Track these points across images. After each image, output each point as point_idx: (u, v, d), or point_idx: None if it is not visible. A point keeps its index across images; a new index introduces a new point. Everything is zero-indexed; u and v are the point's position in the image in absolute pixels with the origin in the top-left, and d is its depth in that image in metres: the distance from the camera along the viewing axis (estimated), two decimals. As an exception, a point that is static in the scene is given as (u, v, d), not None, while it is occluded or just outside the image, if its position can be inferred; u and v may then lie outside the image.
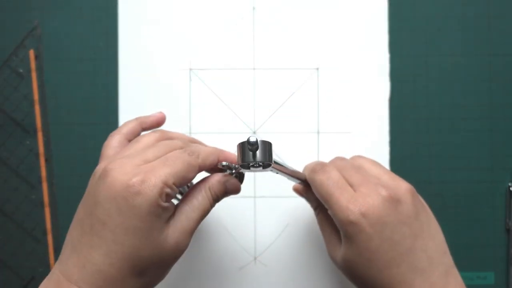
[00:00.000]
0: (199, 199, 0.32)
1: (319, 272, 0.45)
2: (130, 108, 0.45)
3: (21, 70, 0.46)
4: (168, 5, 0.46)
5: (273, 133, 0.45)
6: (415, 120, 0.45)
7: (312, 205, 0.38)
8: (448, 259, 0.32)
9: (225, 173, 0.34)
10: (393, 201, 0.31)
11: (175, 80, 0.46)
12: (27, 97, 0.46)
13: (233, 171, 0.34)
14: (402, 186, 0.32)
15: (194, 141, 0.38)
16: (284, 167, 0.34)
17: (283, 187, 0.45)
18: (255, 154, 0.30)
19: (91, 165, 0.45)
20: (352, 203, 0.31)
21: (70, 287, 0.28)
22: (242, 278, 0.45)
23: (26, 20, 0.46)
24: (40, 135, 0.45)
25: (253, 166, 0.31)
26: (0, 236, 0.45)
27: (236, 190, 0.35)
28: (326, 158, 0.45)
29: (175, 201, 0.32)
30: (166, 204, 0.29)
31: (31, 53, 0.46)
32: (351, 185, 0.33)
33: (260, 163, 0.31)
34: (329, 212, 0.33)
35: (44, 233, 0.45)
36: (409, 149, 0.45)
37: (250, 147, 0.30)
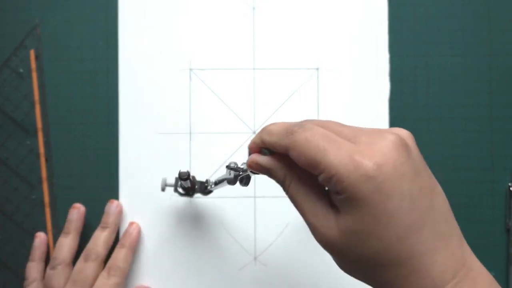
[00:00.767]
0: None
1: (319, 272, 0.45)
2: (130, 108, 0.45)
3: (21, 70, 0.46)
4: (168, 5, 0.46)
5: (273, 133, 0.45)
6: (415, 120, 0.45)
7: (278, 178, 0.29)
8: (456, 222, 0.27)
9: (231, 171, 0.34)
10: (405, 146, 0.25)
11: (175, 80, 0.46)
12: (27, 97, 0.46)
13: (240, 173, 0.33)
14: (402, 131, 0.26)
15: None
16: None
17: (283, 187, 0.45)
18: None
19: (91, 165, 0.45)
20: (359, 153, 0.24)
21: None
22: (242, 278, 0.45)
23: (26, 20, 0.46)
24: (40, 135, 0.45)
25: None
26: (0, 236, 0.45)
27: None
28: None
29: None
30: None
31: (31, 53, 0.46)
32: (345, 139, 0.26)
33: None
34: (322, 176, 0.25)
35: (44, 233, 0.45)
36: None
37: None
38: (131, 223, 0.44)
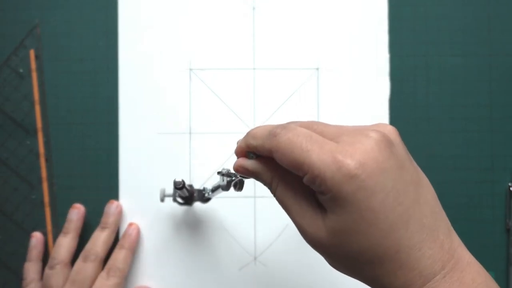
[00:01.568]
0: None
1: (319, 272, 0.45)
2: (130, 108, 0.45)
3: (21, 70, 0.46)
4: (168, 5, 0.46)
5: (273, 133, 0.45)
6: (415, 120, 0.45)
7: (265, 180, 0.29)
8: (444, 213, 0.27)
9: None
10: (387, 142, 0.25)
11: (175, 80, 0.46)
12: (27, 97, 0.46)
13: (233, 178, 0.34)
14: (386, 127, 0.27)
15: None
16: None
17: (283, 187, 0.45)
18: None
19: (91, 165, 0.45)
20: (341, 153, 0.24)
21: None
22: (242, 278, 0.45)
23: (26, 20, 0.46)
24: (40, 135, 0.45)
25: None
26: (0, 236, 0.45)
27: None
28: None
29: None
30: None
31: (31, 53, 0.46)
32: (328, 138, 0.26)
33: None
34: (306, 177, 0.25)
35: (44, 233, 0.45)
36: (409, 149, 0.45)
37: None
38: (130, 224, 0.44)
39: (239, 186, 0.33)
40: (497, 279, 0.46)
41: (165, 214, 0.45)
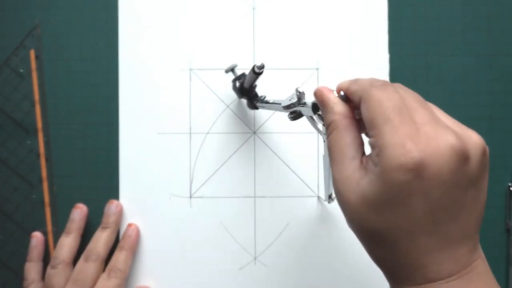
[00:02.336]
0: None
1: (319, 272, 0.45)
2: (130, 108, 0.45)
3: (21, 70, 0.46)
4: (168, 5, 0.46)
5: (273, 133, 0.45)
6: (415, 120, 0.45)
7: (328, 118, 0.29)
8: (478, 235, 0.26)
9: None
10: (462, 155, 0.23)
11: (175, 80, 0.46)
12: (27, 97, 0.46)
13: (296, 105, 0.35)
14: (473, 138, 0.25)
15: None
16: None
17: (283, 187, 0.45)
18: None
19: (91, 165, 0.45)
20: (413, 140, 0.23)
21: None
22: (242, 278, 0.45)
23: (26, 20, 0.46)
24: (40, 135, 0.45)
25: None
26: (0, 236, 0.45)
27: None
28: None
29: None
30: None
31: (31, 53, 0.46)
32: (413, 120, 0.25)
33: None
34: (371, 140, 0.25)
35: (45, 233, 0.45)
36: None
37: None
38: (130, 225, 0.44)
39: (295, 116, 0.34)
40: (497, 279, 0.46)
41: (165, 214, 0.45)
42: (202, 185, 0.45)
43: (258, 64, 0.37)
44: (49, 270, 0.42)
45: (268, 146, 0.45)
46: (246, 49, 0.46)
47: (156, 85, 0.45)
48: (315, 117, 0.33)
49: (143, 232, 0.45)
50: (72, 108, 0.46)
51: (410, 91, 0.27)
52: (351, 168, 0.26)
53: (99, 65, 0.46)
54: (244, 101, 0.44)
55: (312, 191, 0.45)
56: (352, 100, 0.28)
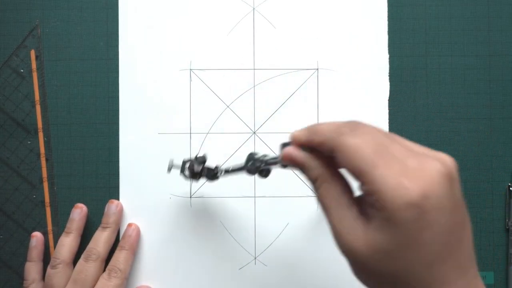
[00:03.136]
0: None
1: (319, 271, 0.45)
2: (130, 108, 0.45)
3: (22, 70, 0.46)
4: (168, 5, 0.46)
5: (273, 133, 0.45)
6: (414, 120, 0.45)
7: (311, 176, 0.29)
8: (474, 254, 0.27)
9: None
10: (450, 178, 0.24)
11: (175, 80, 0.46)
12: (27, 97, 0.46)
13: (262, 164, 0.34)
14: (448, 159, 0.26)
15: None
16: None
17: (283, 187, 0.45)
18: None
19: (91, 165, 0.45)
20: (407, 177, 0.24)
21: None
22: (242, 278, 0.45)
23: (26, 20, 0.46)
24: (40, 135, 0.46)
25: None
26: (0, 236, 0.45)
27: None
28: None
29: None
30: None
31: (32, 53, 0.46)
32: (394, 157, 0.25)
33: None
34: (364, 188, 0.25)
35: (45, 233, 0.45)
36: (409, 149, 0.45)
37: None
38: (130, 225, 0.45)
39: (265, 173, 0.34)
40: (497, 279, 0.46)
41: (165, 214, 0.45)
42: (202, 185, 0.45)
43: (200, 155, 0.39)
44: (49, 270, 0.42)
45: (268, 146, 0.45)
46: (246, 49, 0.46)
47: (156, 85, 0.46)
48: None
49: (143, 232, 0.45)
50: (72, 108, 0.46)
51: (373, 127, 0.27)
52: (351, 216, 0.26)
53: (99, 65, 0.46)
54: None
55: (312, 191, 0.45)
56: (320, 150, 0.28)
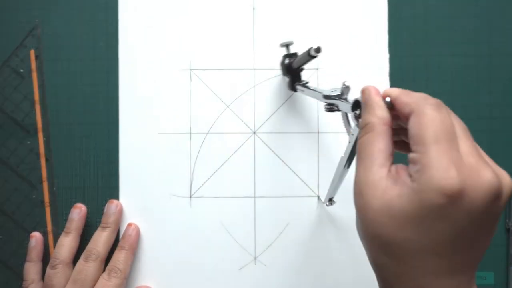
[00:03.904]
0: None
1: (319, 271, 0.45)
2: (130, 108, 0.45)
3: (21, 70, 0.46)
4: (168, 6, 0.46)
5: (273, 133, 0.45)
6: (415, 120, 0.45)
7: (366, 118, 0.28)
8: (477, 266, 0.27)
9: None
10: (496, 193, 0.24)
11: (175, 80, 0.46)
12: (27, 97, 0.46)
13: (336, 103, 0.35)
14: (507, 178, 0.25)
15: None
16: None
17: (283, 187, 0.45)
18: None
19: (91, 165, 0.45)
20: (457, 167, 0.23)
21: None
22: (242, 278, 0.45)
23: (26, 20, 0.46)
24: (40, 135, 0.46)
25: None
26: (0, 235, 0.45)
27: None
28: (326, 158, 0.45)
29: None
30: None
31: (32, 53, 0.46)
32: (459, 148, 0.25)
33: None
34: (415, 156, 0.25)
35: (45, 233, 0.45)
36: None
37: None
38: (129, 225, 0.44)
39: (331, 108, 0.34)
40: (497, 279, 0.46)
41: (165, 214, 0.45)
42: (202, 185, 0.45)
43: (315, 46, 0.36)
44: (48, 270, 0.42)
45: (268, 146, 0.45)
46: (246, 49, 0.46)
47: (156, 85, 0.46)
48: (350, 115, 0.32)
49: (143, 232, 0.45)
50: (72, 108, 0.46)
51: (458, 119, 0.28)
52: (378, 174, 0.26)
53: (99, 65, 0.46)
54: (281, 81, 0.45)
55: (312, 191, 0.45)
56: (399, 110, 0.28)
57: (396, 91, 0.29)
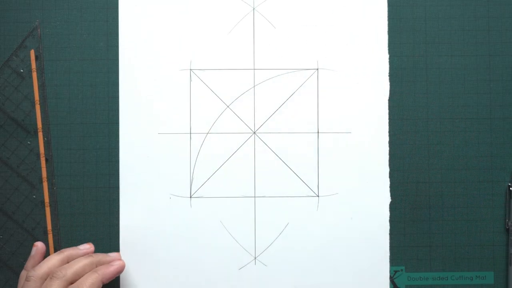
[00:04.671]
0: None
1: (319, 271, 0.45)
2: (130, 108, 0.45)
3: (21, 70, 0.46)
4: (168, 6, 0.46)
5: (273, 133, 0.45)
6: (414, 120, 0.45)
7: None
8: None
9: None
10: None
11: (175, 80, 0.46)
12: (27, 97, 0.46)
13: None
14: None
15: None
16: None
17: (283, 187, 0.45)
18: None
19: (91, 165, 0.45)
20: None
21: None
22: (242, 278, 0.45)
23: (26, 20, 0.46)
24: (40, 135, 0.46)
25: None
26: (0, 236, 0.45)
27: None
28: (326, 158, 0.45)
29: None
30: None
31: (32, 53, 0.46)
32: None
33: None
34: None
35: (45, 232, 0.45)
36: (409, 149, 0.45)
37: None
38: (118, 259, 0.44)
39: None
40: (497, 279, 0.46)
41: (164, 214, 0.45)
42: (202, 185, 0.45)
43: None
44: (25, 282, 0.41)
45: (268, 146, 0.45)
46: (246, 49, 0.46)
47: (156, 85, 0.46)
48: None
49: (143, 232, 0.45)
50: (72, 108, 0.46)
51: None
52: None
53: (99, 65, 0.46)
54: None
55: (312, 191, 0.45)
56: None
57: None
